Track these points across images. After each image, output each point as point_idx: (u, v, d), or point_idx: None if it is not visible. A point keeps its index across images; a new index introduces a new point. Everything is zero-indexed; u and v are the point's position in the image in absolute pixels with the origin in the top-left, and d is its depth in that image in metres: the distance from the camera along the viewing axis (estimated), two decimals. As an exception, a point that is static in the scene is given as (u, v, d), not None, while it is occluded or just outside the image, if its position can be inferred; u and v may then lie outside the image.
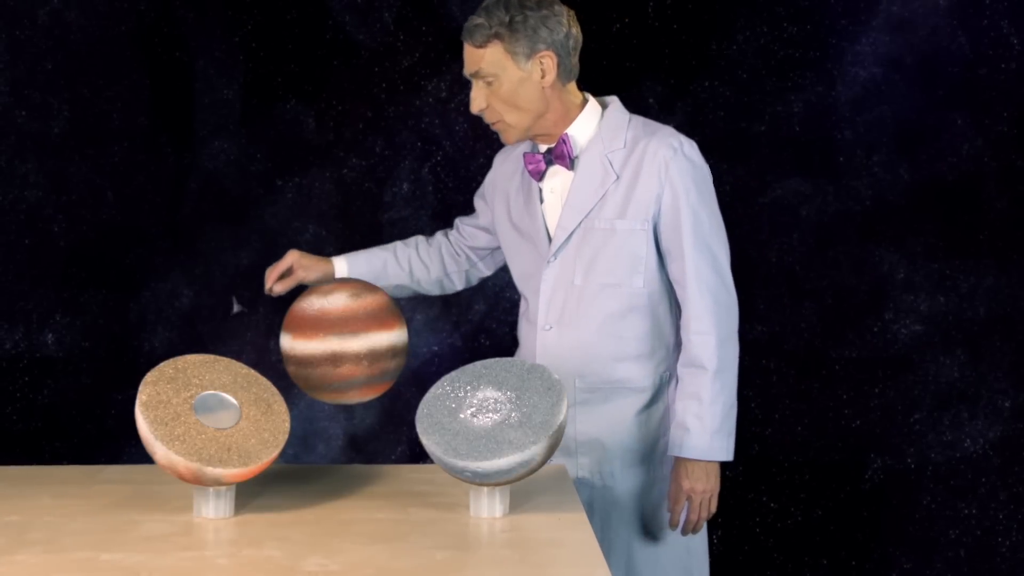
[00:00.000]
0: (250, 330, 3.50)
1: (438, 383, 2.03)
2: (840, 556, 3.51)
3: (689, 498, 2.33)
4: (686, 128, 2.59)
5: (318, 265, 2.52)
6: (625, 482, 2.39)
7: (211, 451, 1.87)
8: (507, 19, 2.28)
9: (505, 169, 2.55)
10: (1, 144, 3.45)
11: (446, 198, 3.50)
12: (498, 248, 2.60)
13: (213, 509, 1.92)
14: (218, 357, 2.03)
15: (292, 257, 2.50)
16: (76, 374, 3.50)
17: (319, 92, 3.50)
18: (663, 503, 2.41)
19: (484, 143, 3.45)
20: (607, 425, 2.38)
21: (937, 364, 3.46)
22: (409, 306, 3.45)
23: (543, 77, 2.32)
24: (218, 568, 1.68)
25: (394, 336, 2.18)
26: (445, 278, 2.65)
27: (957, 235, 3.45)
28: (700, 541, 2.46)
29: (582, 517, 1.93)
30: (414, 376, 3.44)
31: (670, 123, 2.45)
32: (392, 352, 2.17)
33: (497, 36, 2.29)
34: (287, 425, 1.98)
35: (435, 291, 2.68)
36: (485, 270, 2.68)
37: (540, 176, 2.41)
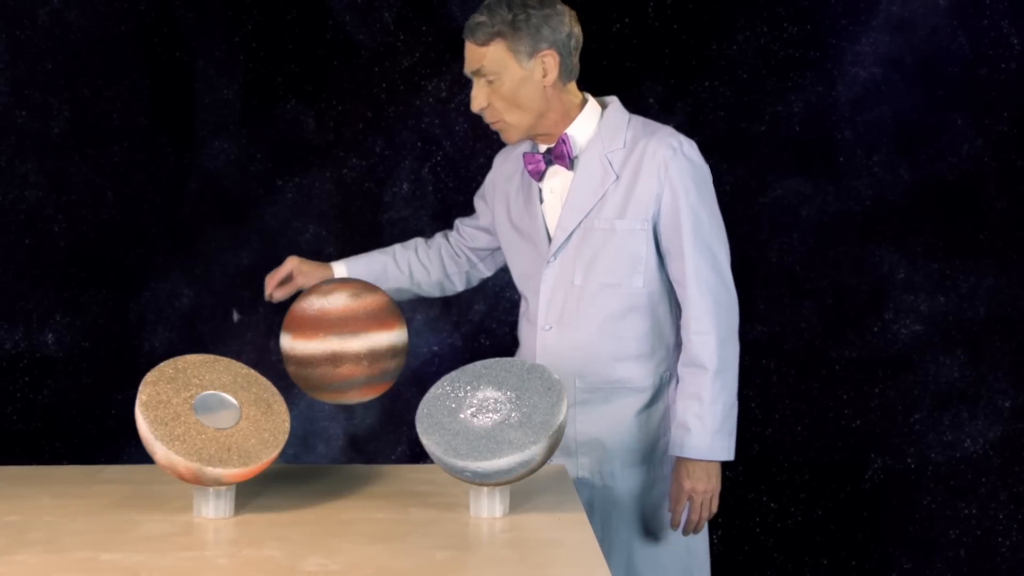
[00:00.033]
0: (250, 330, 3.51)
1: (438, 383, 2.03)
2: (840, 556, 3.51)
3: (690, 498, 2.33)
4: (686, 128, 2.59)
5: (317, 271, 2.52)
6: (625, 482, 2.39)
7: (211, 451, 1.87)
8: (510, 17, 2.28)
9: (505, 170, 2.55)
10: (1, 144, 3.45)
11: (446, 198, 3.50)
12: (498, 249, 2.60)
13: (213, 509, 1.92)
14: (218, 357, 2.03)
15: (291, 263, 2.50)
16: (76, 374, 3.50)
17: (319, 92, 3.50)
18: (663, 503, 2.41)
19: (484, 143, 3.45)
20: (607, 425, 2.38)
21: (937, 364, 3.46)
22: (409, 306, 3.44)
23: (545, 76, 2.32)
24: (218, 568, 1.68)
25: (394, 336, 2.18)
26: (445, 280, 2.65)
27: (957, 235, 3.45)
28: (701, 541, 2.45)
29: (582, 517, 1.93)
30: (414, 376, 3.44)
31: (670, 123, 2.45)
32: (392, 352, 2.17)
33: (500, 34, 2.29)
34: (287, 425, 1.98)
35: (435, 293, 2.67)
36: (485, 271, 2.68)
37: (540, 176, 2.41)
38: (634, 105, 2.53)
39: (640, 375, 2.37)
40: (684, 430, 2.31)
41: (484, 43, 2.31)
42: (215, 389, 1.97)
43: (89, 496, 2.05)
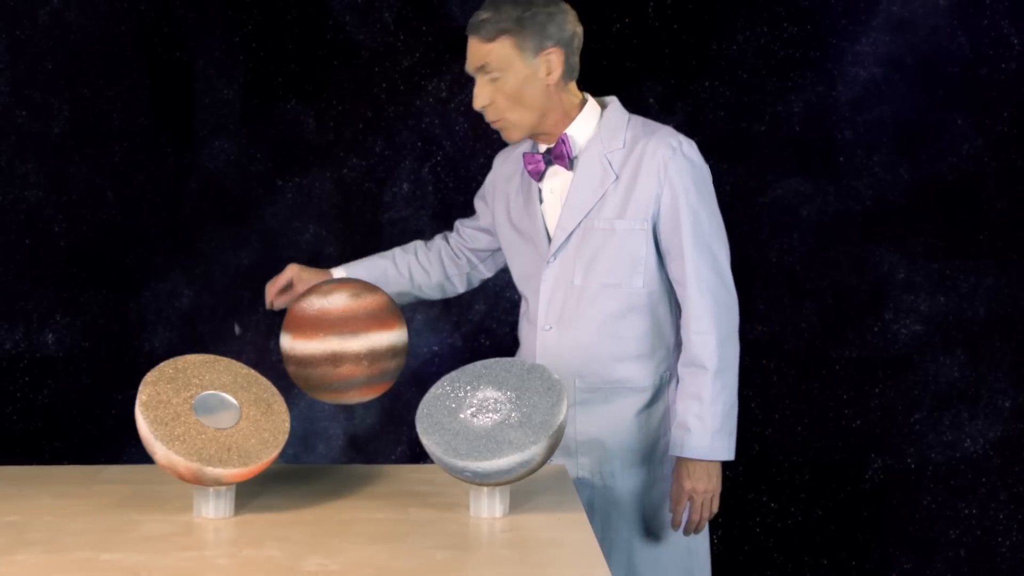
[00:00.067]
0: (250, 330, 3.51)
1: (438, 383, 2.03)
2: (840, 556, 3.51)
3: (691, 498, 2.33)
4: (686, 128, 2.59)
5: (317, 278, 2.51)
6: (626, 482, 2.39)
7: (211, 451, 1.87)
8: (517, 14, 2.28)
9: (505, 170, 2.55)
10: (1, 144, 3.45)
11: (446, 198, 3.51)
12: (499, 250, 2.60)
13: (213, 509, 1.92)
14: (218, 357, 2.03)
15: (291, 271, 2.49)
16: (76, 374, 3.50)
17: (319, 92, 3.50)
18: (664, 503, 2.41)
19: (484, 143, 3.45)
20: (607, 425, 2.38)
21: (937, 364, 3.46)
22: (409, 306, 3.44)
23: (549, 74, 2.32)
24: (218, 568, 1.68)
25: (394, 336, 2.18)
26: (446, 281, 2.65)
27: (957, 235, 3.45)
28: (702, 541, 2.45)
29: (582, 517, 1.93)
30: (414, 376, 3.44)
31: (670, 123, 2.45)
32: (392, 352, 2.17)
33: (507, 31, 2.29)
34: (287, 425, 1.98)
35: (436, 295, 2.67)
36: (486, 272, 2.68)
37: (540, 176, 2.41)
38: (634, 105, 2.53)
39: (640, 375, 2.37)
40: (684, 430, 2.31)
41: (490, 39, 2.30)
42: (215, 389, 1.97)
43: (89, 496, 2.05)
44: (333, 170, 3.51)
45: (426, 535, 1.83)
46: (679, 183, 2.32)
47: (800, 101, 3.45)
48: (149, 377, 1.94)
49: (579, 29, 2.36)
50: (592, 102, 2.41)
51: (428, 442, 1.93)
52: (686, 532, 2.37)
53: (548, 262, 2.39)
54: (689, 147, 2.35)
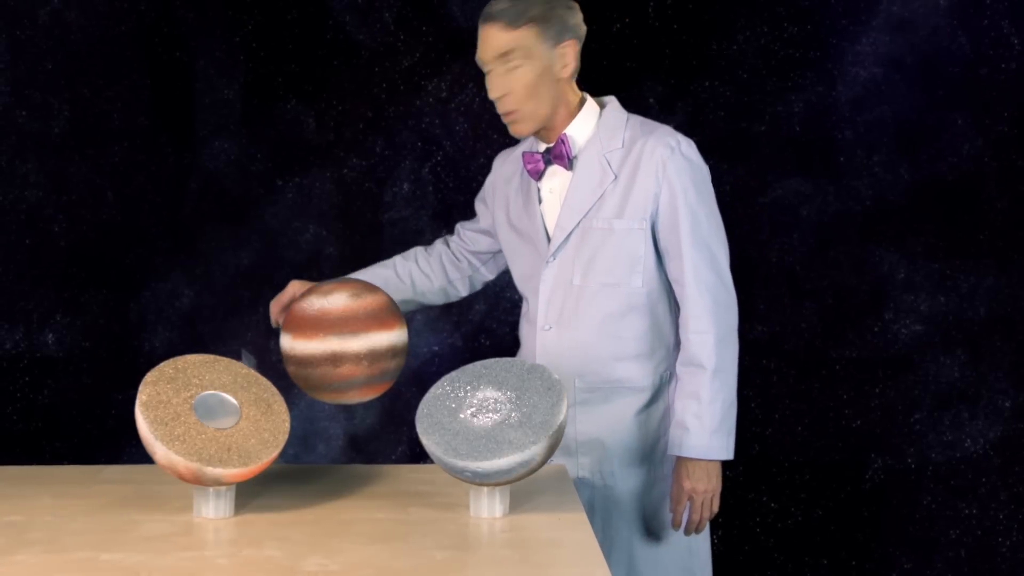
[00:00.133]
0: (250, 330, 3.51)
1: (438, 383, 2.03)
2: (840, 556, 3.51)
3: (691, 498, 2.33)
4: (686, 128, 2.59)
5: None
6: (626, 482, 2.39)
7: (211, 451, 1.87)
8: (542, 2, 2.28)
9: (504, 171, 2.55)
10: (1, 144, 3.45)
11: (446, 198, 3.51)
12: (500, 251, 2.60)
13: (213, 509, 1.92)
14: (218, 357, 2.03)
15: (294, 287, 2.47)
16: (76, 374, 3.50)
17: (319, 92, 3.50)
18: (664, 503, 2.41)
19: (484, 143, 3.45)
20: (607, 425, 2.38)
21: (937, 364, 3.46)
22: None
23: (564, 67, 2.32)
24: (218, 568, 1.68)
25: (394, 336, 2.17)
26: (449, 286, 2.65)
27: (957, 235, 3.45)
28: (702, 541, 2.45)
29: (582, 517, 1.93)
30: (414, 376, 3.44)
31: (670, 123, 2.45)
32: (392, 352, 2.17)
33: (533, 19, 2.28)
34: (287, 425, 1.98)
35: (439, 300, 2.67)
36: (488, 274, 2.67)
37: (539, 176, 2.41)
38: (634, 105, 2.53)
39: (640, 375, 2.37)
40: (683, 429, 2.31)
41: (516, 26, 2.27)
42: (215, 389, 1.97)
43: (89, 496, 2.05)
44: (333, 170, 3.51)
45: (426, 535, 1.83)
46: (678, 182, 2.32)
47: (800, 101, 3.45)
48: (149, 377, 1.94)
49: (584, 26, 2.38)
50: (591, 102, 2.41)
51: (428, 442, 1.93)
52: (687, 532, 2.37)
53: (547, 262, 2.39)
54: (688, 146, 2.35)
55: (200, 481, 1.88)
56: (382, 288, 2.49)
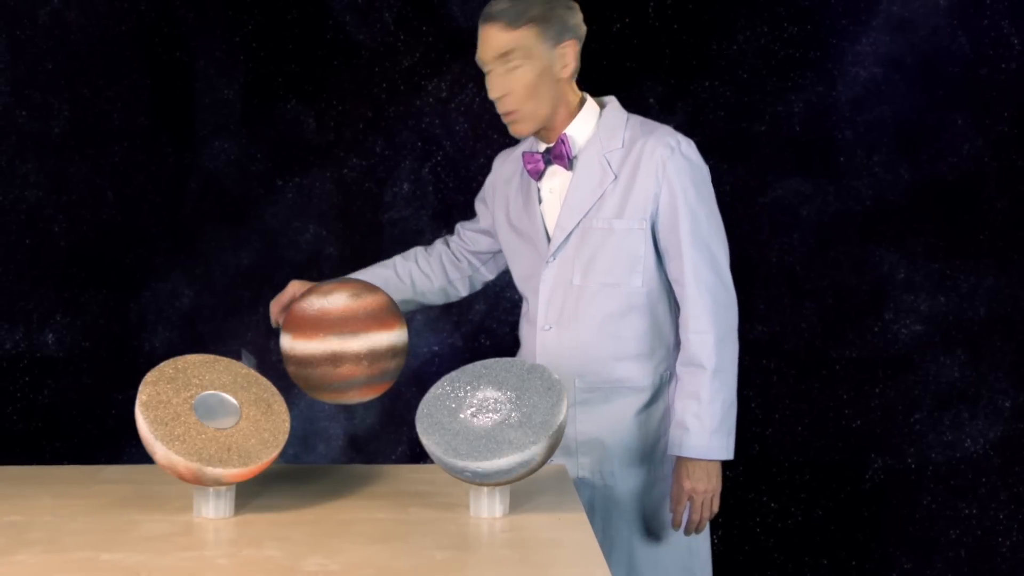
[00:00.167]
0: (250, 330, 3.51)
1: (438, 383, 2.03)
2: (840, 556, 3.51)
3: (691, 498, 2.33)
4: (686, 128, 2.59)
5: None
6: (626, 482, 2.39)
7: (211, 451, 1.87)
8: (542, 3, 2.28)
9: (504, 171, 2.55)
10: (1, 144, 3.45)
11: (446, 198, 3.51)
12: (500, 252, 2.60)
13: (213, 509, 1.92)
14: (218, 357, 2.03)
15: (294, 287, 2.47)
16: (76, 374, 3.50)
17: (319, 92, 3.50)
18: (664, 503, 2.41)
19: (484, 143, 3.45)
20: (607, 425, 2.38)
21: (937, 364, 3.46)
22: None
23: (564, 67, 2.32)
24: (218, 568, 1.68)
25: (394, 336, 2.17)
26: (449, 286, 2.65)
27: (957, 235, 3.45)
28: (703, 541, 2.45)
29: (582, 517, 1.93)
30: (414, 376, 3.44)
31: (670, 123, 2.45)
32: (392, 352, 2.17)
33: (533, 19, 2.28)
34: (287, 425, 1.98)
35: (439, 300, 2.67)
36: (488, 274, 2.67)
37: (539, 176, 2.41)
38: (634, 105, 2.53)
39: (640, 375, 2.37)
40: (682, 429, 2.31)
41: (516, 26, 2.28)
42: (215, 389, 1.97)
43: (89, 496, 2.05)
44: (333, 170, 3.51)
45: (426, 535, 1.83)
46: (677, 182, 2.32)
47: (800, 101, 3.45)
48: (149, 377, 1.94)
49: (584, 27, 2.38)
50: (591, 102, 2.41)
51: (428, 442, 1.93)
52: (687, 532, 2.37)
53: (547, 262, 2.39)
54: (688, 146, 2.35)
55: (200, 481, 1.88)
56: (382, 288, 2.49)
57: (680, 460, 2.33)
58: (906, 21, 3.41)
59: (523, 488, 2.06)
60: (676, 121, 3.37)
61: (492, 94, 2.33)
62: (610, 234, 2.34)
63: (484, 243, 2.63)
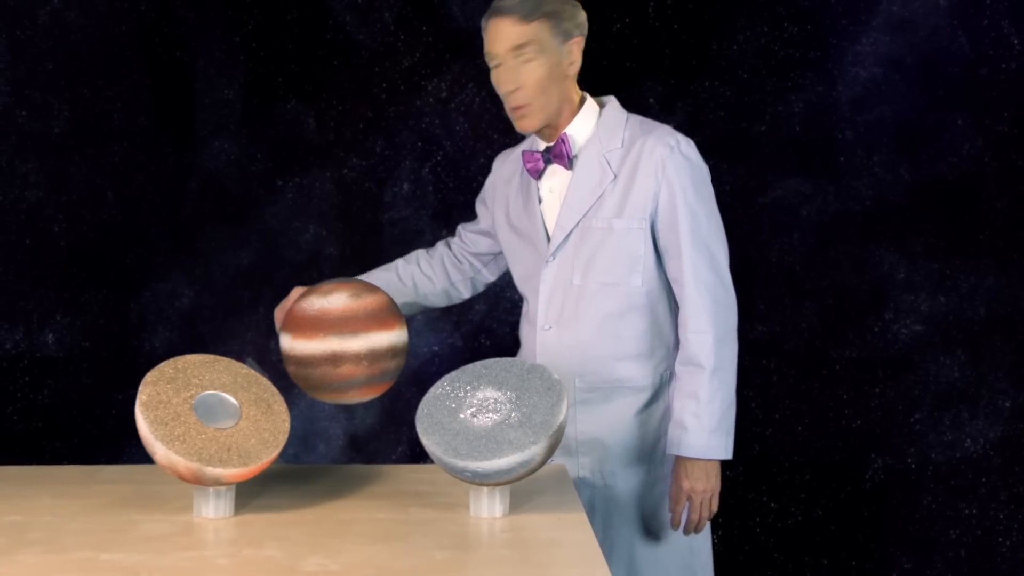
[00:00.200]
0: (250, 330, 3.51)
1: (438, 383, 2.03)
2: (840, 556, 3.51)
3: (690, 498, 2.33)
4: (686, 128, 2.58)
5: None
6: (626, 481, 2.39)
7: (211, 451, 1.87)
8: None
9: (504, 172, 2.55)
10: (2, 144, 3.45)
11: (446, 198, 3.51)
12: (501, 253, 2.60)
13: (213, 509, 1.92)
14: (218, 357, 2.03)
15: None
16: (76, 374, 3.50)
17: (319, 92, 3.50)
18: (664, 502, 2.41)
19: (484, 143, 3.45)
20: (608, 424, 2.38)
21: (937, 364, 3.46)
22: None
23: (571, 64, 2.34)
24: (218, 568, 1.68)
25: (394, 336, 2.17)
26: (451, 288, 2.65)
27: (957, 235, 3.45)
28: (704, 541, 2.45)
29: (582, 517, 1.93)
30: (414, 376, 3.44)
31: (670, 123, 2.45)
32: (392, 352, 2.17)
33: (547, 13, 2.29)
34: (287, 425, 1.98)
35: (442, 303, 2.67)
36: (489, 276, 2.68)
37: (539, 175, 2.41)
38: (634, 105, 2.53)
39: (639, 374, 2.37)
40: (681, 429, 2.31)
41: (530, 20, 2.28)
42: (215, 389, 1.97)
43: (89, 496, 2.05)
44: (333, 170, 3.51)
45: (426, 535, 1.83)
46: (677, 182, 2.32)
47: (800, 101, 3.45)
48: (149, 377, 1.94)
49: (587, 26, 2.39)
50: (591, 101, 2.41)
51: (428, 442, 1.93)
52: (686, 532, 2.37)
53: (547, 262, 2.39)
54: (687, 146, 2.35)
55: (200, 481, 1.88)
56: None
57: (679, 459, 2.33)
58: (906, 21, 3.41)
59: (523, 488, 2.06)
60: (676, 121, 3.37)
61: (503, 88, 2.33)
62: (610, 234, 2.34)
63: (485, 244, 2.63)
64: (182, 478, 1.88)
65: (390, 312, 2.19)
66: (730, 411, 2.33)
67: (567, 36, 2.32)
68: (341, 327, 2.13)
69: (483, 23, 2.35)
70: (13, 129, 3.45)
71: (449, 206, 3.48)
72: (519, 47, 2.29)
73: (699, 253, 2.31)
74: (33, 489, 2.09)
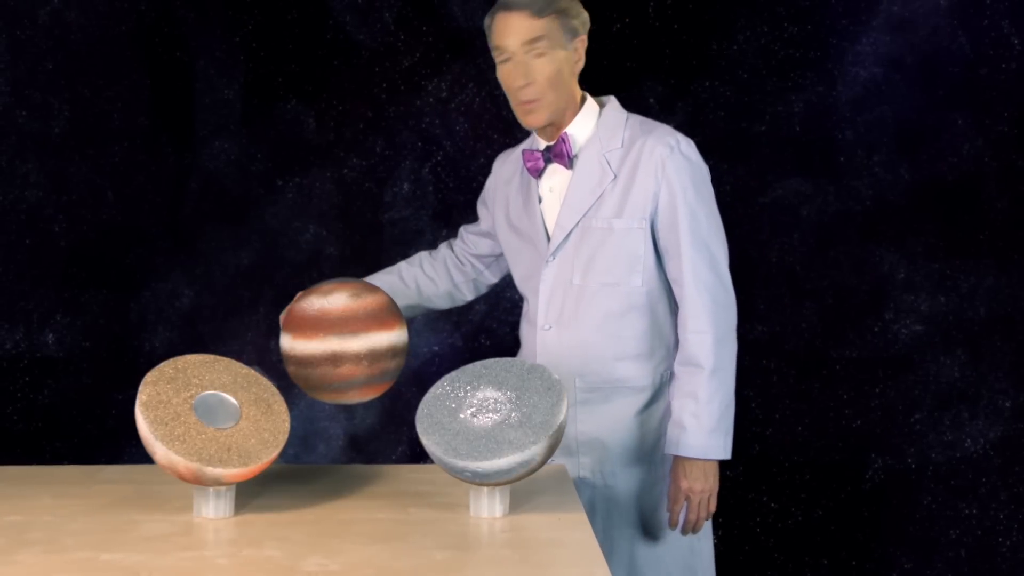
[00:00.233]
0: (250, 330, 3.51)
1: (438, 383, 2.03)
2: (840, 556, 3.51)
3: (687, 498, 2.33)
4: (686, 128, 2.59)
5: None
6: (627, 482, 2.39)
7: (211, 451, 1.87)
8: None
9: (504, 172, 2.55)
10: (2, 144, 3.45)
11: (446, 198, 3.51)
12: (503, 254, 2.60)
13: (213, 509, 1.92)
14: (218, 357, 2.03)
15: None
16: (76, 374, 3.50)
17: (319, 92, 3.50)
18: (665, 502, 2.41)
19: (484, 143, 3.45)
20: (608, 424, 2.38)
21: (937, 364, 3.46)
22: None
23: (577, 61, 2.36)
24: (218, 568, 1.68)
25: (394, 336, 2.17)
26: (454, 289, 2.65)
27: (957, 235, 3.45)
28: (705, 541, 2.45)
29: (582, 517, 1.93)
30: (414, 376, 3.44)
31: (670, 123, 2.46)
32: (392, 352, 2.17)
33: (558, 10, 2.31)
34: (287, 425, 1.98)
35: (446, 305, 2.67)
36: (492, 277, 2.68)
37: (539, 173, 2.41)
38: (634, 105, 2.53)
39: (640, 374, 2.37)
40: (680, 428, 2.31)
41: (543, 15, 2.29)
42: (215, 389, 1.97)
43: (89, 496, 2.05)
44: (333, 170, 3.51)
45: (426, 535, 1.83)
46: (677, 182, 2.32)
47: (800, 101, 3.45)
48: (149, 377, 1.94)
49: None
50: (591, 101, 2.41)
51: (428, 442, 1.93)
52: (683, 532, 2.37)
53: (547, 261, 2.39)
54: (687, 146, 2.36)
55: (200, 481, 1.88)
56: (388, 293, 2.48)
57: (677, 459, 2.33)
58: (906, 21, 3.41)
59: (523, 488, 2.06)
60: (676, 121, 3.37)
61: (515, 82, 2.32)
62: (610, 233, 2.34)
63: (486, 246, 2.63)
64: (182, 478, 1.88)
65: (390, 312, 2.19)
66: (729, 411, 2.33)
67: (574, 34, 2.33)
68: (341, 327, 2.13)
69: (490, 18, 2.35)
70: (13, 129, 3.45)
71: (449, 206, 3.48)
72: (531, 41, 2.29)
73: (699, 253, 2.31)
74: (33, 489, 2.09)
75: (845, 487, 3.50)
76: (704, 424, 2.29)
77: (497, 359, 2.04)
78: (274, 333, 3.42)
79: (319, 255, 3.51)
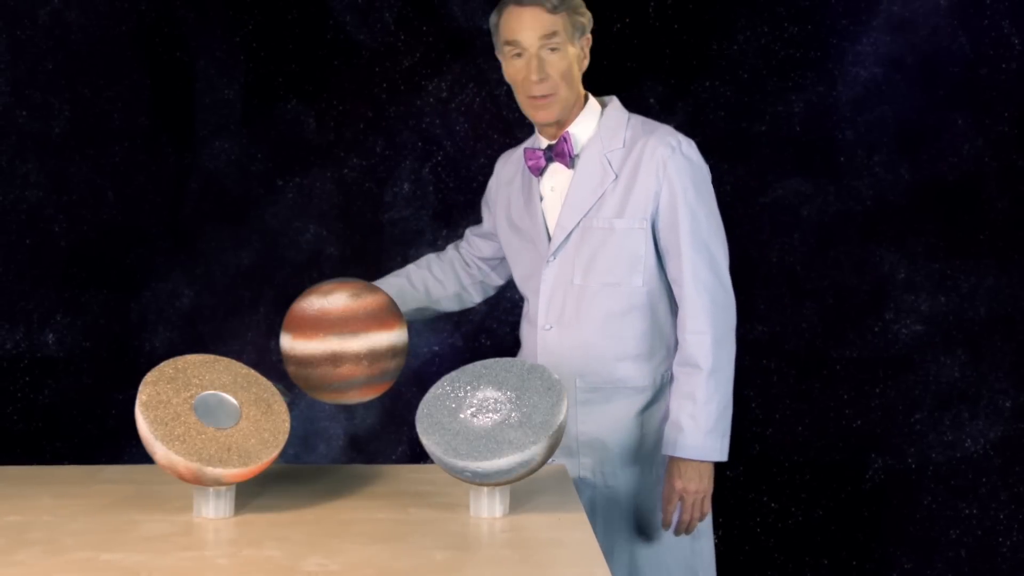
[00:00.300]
0: (250, 330, 3.50)
1: (438, 383, 2.03)
2: (841, 556, 3.51)
3: (682, 498, 2.33)
4: (686, 128, 2.58)
5: None
6: (627, 482, 2.39)
7: (211, 451, 1.87)
8: None
9: (506, 173, 2.56)
10: (2, 144, 3.45)
11: (446, 198, 3.50)
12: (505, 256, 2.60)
13: (213, 509, 1.92)
14: (218, 357, 2.03)
15: None
16: (76, 374, 3.50)
17: (320, 92, 3.50)
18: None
19: (484, 143, 3.45)
20: (608, 425, 2.38)
21: (938, 364, 3.46)
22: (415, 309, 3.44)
23: (584, 60, 2.37)
24: (218, 568, 1.68)
25: (394, 336, 2.17)
26: (463, 291, 2.66)
27: (958, 235, 3.44)
28: (706, 541, 2.45)
29: (582, 517, 1.93)
30: (414, 376, 3.44)
31: (671, 123, 2.45)
32: (392, 352, 2.17)
33: (569, 8, 2.32)
34: (287, 425, 1.98)
35: (455, 307, 2.68)
36: (498, 279, 2.68)
37: (540, 172, 2.42)
38: (634, 105, 2.53)
39: (640, 375, 2.37)
40: (677, 429, 2.30)
41: (556, 12, 2.31)
42: (215, 389, 1.97)
43: (89, 496, 2.05)
44: (333, 170, 3.51)
45: (426, 535, 1.83)
46: (678, 182, 2.32)
47: (800, 101, 3.45)
48: (149, 377, 1.94)
49: None
50: (593, 101, 2.42)
51: (428, 442, 1.93)
52: (676, 532, 2.37)
53: (548, 261, 2.39)
54: (688, 146, 2.36)
55: (200, 481, 1.88)
56: (397, 298, 2.47)
57: (673, 460, 2.33)
58: (906, 21, 3.41)
59: (523, 488, 2.06)
60: (676, 121, 3.37)
61: (530, 76, 2.32)
62: (611, 234, 2.34)
63: (490, 248, 2.63)
64: (182, 478, 1.88)
65: (390, 312, 2.19)
66: (727, 413, 2.33)
67: (582, 32, 2.35)
68: (341, 327, 2.13)
69: (498, 15, 2.35)
70: (13, 129, 3.45)
71: (449, 206, 3.48)
72: (548, 36, 2.30)
73: (698, 254, 2.31)
74: (33, 489, 2.09)
75: (845, 487, 3.50)
76: (701, 425, 2.29)
77: (497, 359, 2.04)
78: (274, 333, 3.42)
79: (319, 255, 3.51)
